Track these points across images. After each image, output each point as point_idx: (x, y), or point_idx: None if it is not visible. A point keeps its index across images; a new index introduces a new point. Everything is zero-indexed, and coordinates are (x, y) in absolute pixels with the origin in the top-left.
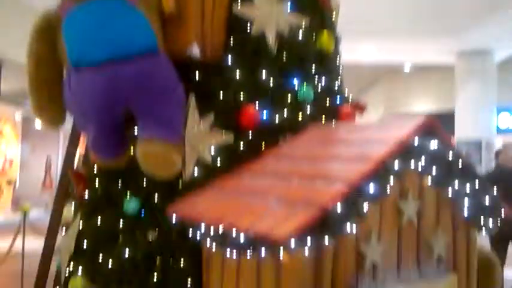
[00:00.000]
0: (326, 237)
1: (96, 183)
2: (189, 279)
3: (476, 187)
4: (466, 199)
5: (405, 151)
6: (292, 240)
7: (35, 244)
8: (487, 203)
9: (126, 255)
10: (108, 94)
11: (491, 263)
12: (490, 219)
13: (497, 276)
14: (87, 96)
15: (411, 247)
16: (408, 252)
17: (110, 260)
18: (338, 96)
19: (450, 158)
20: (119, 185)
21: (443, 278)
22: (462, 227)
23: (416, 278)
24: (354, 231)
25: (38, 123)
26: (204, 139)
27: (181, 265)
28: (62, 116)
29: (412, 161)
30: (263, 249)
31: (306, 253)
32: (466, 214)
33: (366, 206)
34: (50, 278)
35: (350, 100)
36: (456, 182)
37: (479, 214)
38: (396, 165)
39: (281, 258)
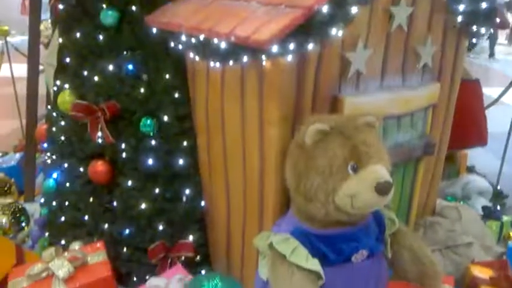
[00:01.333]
0: (310, 41)
1: None
2: (176, 92)
3: None
4: (462, 5)
5: None
6: (275, 45)
7: (24, 69)
8: (482, 10)
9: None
10: None
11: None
12: (483, 28)
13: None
14: None
15: (398, 55)
16: (394, 60)
17: (96, 76)
18: None
19: None
20: None
21: (427, 86)
22: (453, 36)
23: (400, 86)
24: (340, 36)
25: None
26: None
27: (166, 78)
28: None
29: None
30: (245, 55)
31: (289, 58)
32: (459, 21)
33: (354, 8)
34: (43, 99)
35: None
36: None
37: (472, 21)
38: None
39: (263, 64)
